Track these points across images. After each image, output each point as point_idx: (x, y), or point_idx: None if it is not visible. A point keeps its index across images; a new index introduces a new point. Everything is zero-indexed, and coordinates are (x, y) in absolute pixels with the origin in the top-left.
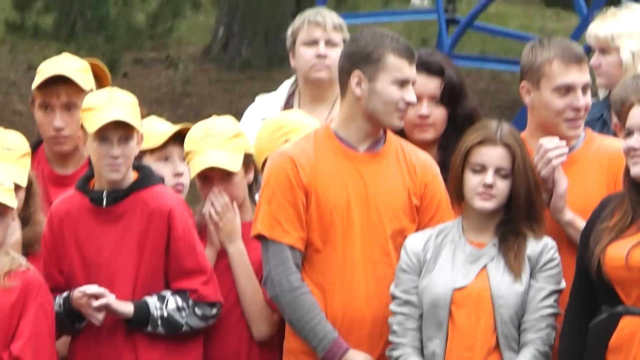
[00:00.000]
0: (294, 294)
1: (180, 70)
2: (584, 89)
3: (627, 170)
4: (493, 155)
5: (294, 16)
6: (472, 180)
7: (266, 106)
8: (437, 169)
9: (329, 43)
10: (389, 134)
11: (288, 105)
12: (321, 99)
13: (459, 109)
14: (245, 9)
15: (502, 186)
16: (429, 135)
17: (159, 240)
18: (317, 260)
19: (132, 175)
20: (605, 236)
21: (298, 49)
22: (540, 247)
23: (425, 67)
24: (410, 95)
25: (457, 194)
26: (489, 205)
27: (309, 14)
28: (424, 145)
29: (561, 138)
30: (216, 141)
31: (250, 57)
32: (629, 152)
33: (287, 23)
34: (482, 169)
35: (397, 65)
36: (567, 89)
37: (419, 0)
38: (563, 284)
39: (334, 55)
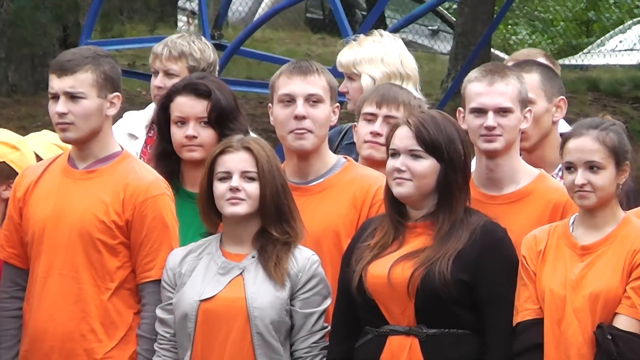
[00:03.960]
0: None
1: None
2: (307, 99)
3: (387, 190)
4: (235, 160)
5: (60, 42)
6: (219, 188)
7: (132, 122)
8: (160, 190)
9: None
10: (126, 153)
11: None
12: None
13: (227, 131)
14: (12, 35)
15: (250, 189)
16: (197, 154)
17: None
18: (30, 275)
19: None
20: (366, 254)
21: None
22: (301, 263)
23: (192, 89)
24: (57, 107)
25: (209, 207)
26: (239, 209)
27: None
28: (193, 165)
29: None
30: None
31: (16, 82)
32: (392, 173)
33: (54, 49)
34: (227, 175)
35: (50, 81)
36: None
37: (185, 25)
38: (329, 299)
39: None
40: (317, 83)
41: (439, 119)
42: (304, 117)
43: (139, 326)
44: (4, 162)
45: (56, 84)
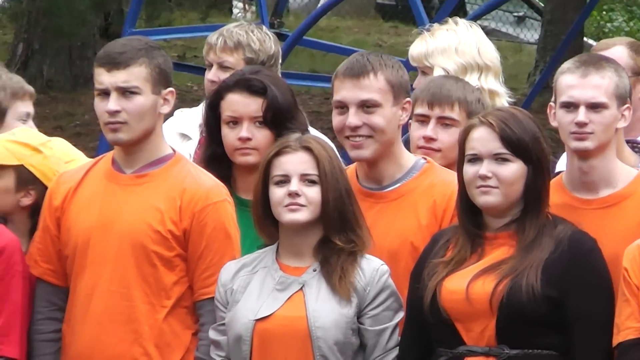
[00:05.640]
0: (31, 329)
1: None
2: (360, 106)
3: (463, 199)
4: (294, 162)
5: (100, 32)
6: (276, 194)
7: (184, 121)
8: (221, 197)
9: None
10: (179, 156)
11: None
12: None
13: (284, 131)
14: (47, 24)
15: (311, 193)
16: (252, 158)
17: None
18: (70, 292)
19: None
20: (440, 270)
21: None
22: (369, 275)
23: (245, 85)
24: (109, 104)
25: (264, 215)
26: (299, 216)
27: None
28: (247, 169)
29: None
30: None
31: (52, 77)
32: (474, 180)
33: (94, 40)
34: (285, 179)
35: (97, 75)
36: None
37: (241, 13)
38: (401, 312)
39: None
40: (372, 86)
41: (520, 117)
42: (357, 127)
43: (197, 348)
44: (22, 165)
45: (106, 78)
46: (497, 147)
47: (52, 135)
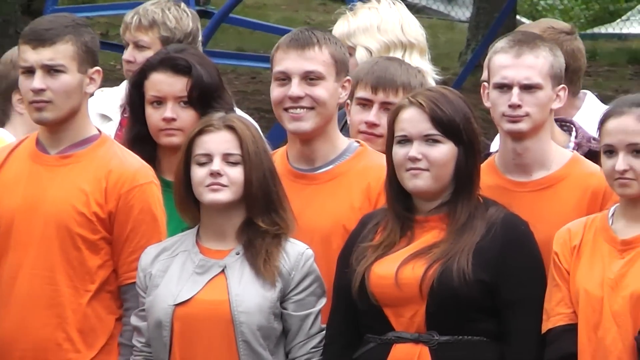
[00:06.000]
0: None
1: None
2: (304, 77)
3: (392, 182)
4: (216, 141)
5: (23, 8)
6: (197, 173)
7: (105, 101)
8: (147, 178)
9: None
10: (105, 137)
11: None
12: None
13: (210, 111)
14: None
15: (233, 174)
16: (177, 139)
17: None
18: None
19: None
20: (370, 254)
21: None
22: (294, 259)
23: (170, 64)
24: (34, 83)
25: (187, 196)
26: (221, 197)
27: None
28: (172, 150)
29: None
30: None
31: None
32: (404, 163)
33: (15, 16)
34: (207, 158)
35: (21, 52)
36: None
37: None
38: (324, 299)
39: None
40: (317, 58)
41: (450, 97)
42: (299, 98)
43: (121, 334)
44: None
45: (31, 56)
46: (427, 128)
47: None
